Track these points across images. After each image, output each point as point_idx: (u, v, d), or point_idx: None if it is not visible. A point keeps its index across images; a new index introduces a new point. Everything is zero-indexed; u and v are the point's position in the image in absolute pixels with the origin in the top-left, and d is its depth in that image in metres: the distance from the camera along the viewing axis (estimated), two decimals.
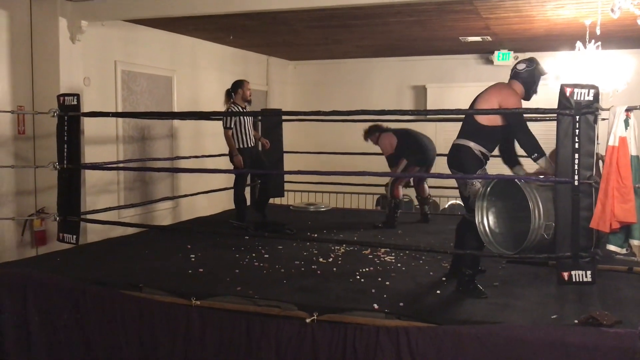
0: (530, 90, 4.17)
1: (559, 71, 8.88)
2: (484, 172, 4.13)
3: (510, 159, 4.37)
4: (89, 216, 5.46)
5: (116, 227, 6.01)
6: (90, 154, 6.38)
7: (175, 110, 7.97)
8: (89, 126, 6.32)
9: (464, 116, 4.28)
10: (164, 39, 7.89)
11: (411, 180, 7.04)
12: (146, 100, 7.51)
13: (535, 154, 3.91)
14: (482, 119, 4.08)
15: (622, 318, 3.36)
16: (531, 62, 4.18)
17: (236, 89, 6.42)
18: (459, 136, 4.20)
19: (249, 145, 6.42)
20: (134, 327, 3.97)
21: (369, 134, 6.99)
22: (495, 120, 4.07)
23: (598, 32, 5.25)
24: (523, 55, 9.37)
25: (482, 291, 4.01)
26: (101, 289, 4.12)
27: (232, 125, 6.28)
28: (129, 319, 3.98)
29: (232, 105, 6.37)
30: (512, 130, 4.05)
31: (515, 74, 4.19)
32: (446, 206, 8.95)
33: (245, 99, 6.45)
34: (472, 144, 4.10)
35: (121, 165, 6.60)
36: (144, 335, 3.95)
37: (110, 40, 7.03)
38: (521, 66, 4.18)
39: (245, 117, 6.33)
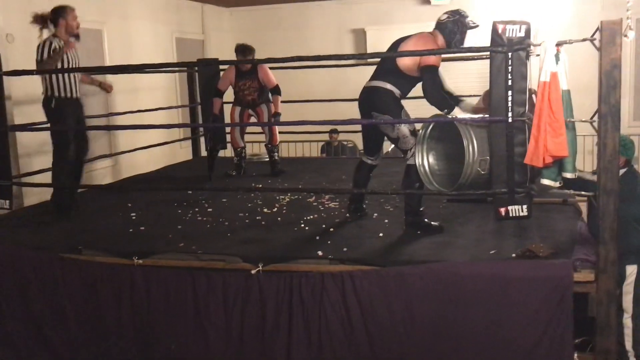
0: (451, 42, 4.13)
1: (495, 8, 8.90)
2: (405, 114, 4.17)
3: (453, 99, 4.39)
4: (23, 179, 5.28)
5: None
6: (21, 114, 6.10)
7: (108, 64, 7.67)
8: (17, 85, 6.02)
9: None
10: None
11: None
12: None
13: (446, 110, 3.99)
14: (402, 66, 4.10)
15: (557, 249, 3.48)
16: (454, 13, 4.15)
17: (57, 19, 4.89)
18: (376, 78, 4.20)
19: (72, 96, 4.94)
20: (76, 291, 3.89)
21: (247, 53, 6.15)
22: (412, 70, 4.11)
23: None
24: None
25: (437, 226, 4.12)
26: (39, 254, 4.01)
27: (47, 59, 4.76)
28: (70, 283, 3.90)
29: (53, 38, 4.85)
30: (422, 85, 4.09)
31: (438, 25, 4.18)
32: (389, 150, 9.00)
33: (71, 31, 4.93)
34: (390, 86, 4.13)
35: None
36: (87, 299, 3.88)
37: None
38: (444, 17, 4.16)
39: (70, 57, 4.86)
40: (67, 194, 5.00)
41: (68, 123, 4.94)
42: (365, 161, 4.48)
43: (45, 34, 4.99)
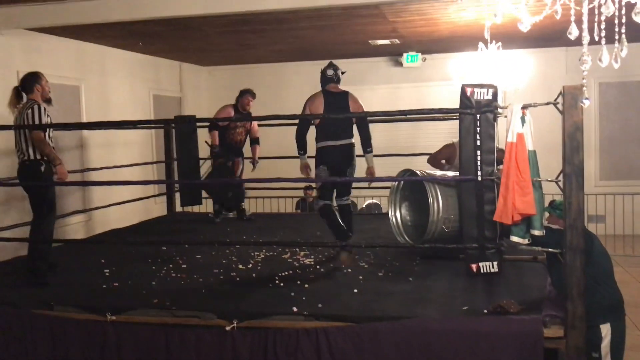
0: None
1: (464, 71, 9.20)
2: None
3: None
4: None
5: (26, 245, 5.74)
6: None
7: (84, 120, 7.73)
8: None
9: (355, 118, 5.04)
10: (69, 46, 7.64)
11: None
12: (52, 110, 7.22)
13: (369, 148, 4.94)
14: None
15: (527, 305, 3.54)
16: (336, 66, 5.18)
17: (33, 85, 4.78)
18: (350, 136, 5.01)
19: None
20: (45, 348, 3.82)
21: (254, 95, 7.01)
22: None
23: (486, 35, 5.57)
24: (430, 57, 9.71)
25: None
26: (8, 309, 3.95)
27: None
28: (40, 339, 3.83)
29: (38, 105, 4.72)
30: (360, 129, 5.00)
31: (339, 79, 5.16)
32: (364, 206, 9.11)
33: (45, 96, 4.87)
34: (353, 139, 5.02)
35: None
36: (57, 356, 3.81)
37: (11, 49, 6.74)
38: (340, 72, 5.18)
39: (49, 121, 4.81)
40: (44, 260, 4.74)
41: (50, 193, 4.83)
42: (329, 205, 5.03)
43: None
